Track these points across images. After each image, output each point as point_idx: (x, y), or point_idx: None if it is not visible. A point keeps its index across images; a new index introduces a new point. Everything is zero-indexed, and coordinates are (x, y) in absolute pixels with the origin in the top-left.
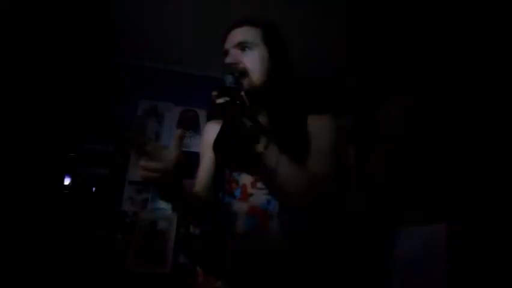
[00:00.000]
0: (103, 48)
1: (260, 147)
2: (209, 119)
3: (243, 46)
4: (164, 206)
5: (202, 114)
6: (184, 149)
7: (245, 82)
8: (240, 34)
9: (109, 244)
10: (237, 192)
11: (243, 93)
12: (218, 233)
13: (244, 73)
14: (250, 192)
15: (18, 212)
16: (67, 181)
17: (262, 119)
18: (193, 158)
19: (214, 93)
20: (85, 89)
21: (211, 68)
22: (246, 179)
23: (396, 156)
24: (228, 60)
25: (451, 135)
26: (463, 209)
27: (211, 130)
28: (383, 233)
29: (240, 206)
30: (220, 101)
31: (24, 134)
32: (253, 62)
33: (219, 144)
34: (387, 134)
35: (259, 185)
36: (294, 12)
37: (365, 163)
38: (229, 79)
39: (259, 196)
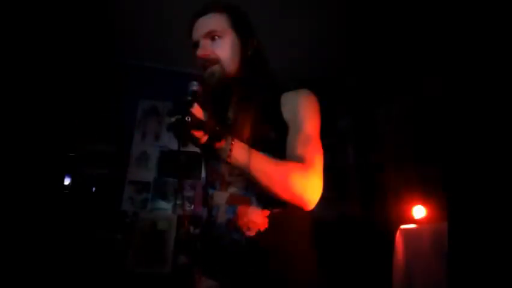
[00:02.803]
0: (103, 48)
1: (223, 154)
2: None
3: (212, 36)
4: (164, 206)
5: None
6: (184, 150)
7: (217, 73)
8: (207, 23)
9: (109, 244)
10: (217, 183)
11: (194, 106)
12: (209, 233)
13: (216, 64)
14: (229, 180)
15: (19, 212)
16: (67, 181)
17: (232, 108)
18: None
19: (168, 115)
20: (85, 89)
21: None
22: (224, 167)
23: (396, 155)
24: (199, 52)
25: (451, 135)
26: (464, 208)
27: None
28: (383, 233)
29: (222, 196)
30: (171, 120)
31: (24, 134)
32: (224, 51)
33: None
34: (387, 134)
35: (236, 172)
36: (294, 12)
37: (365, 163)
38: (192, 85)
39: (237, 183)
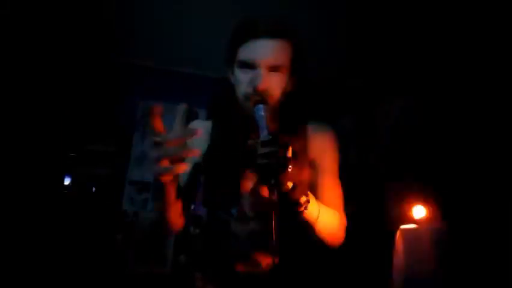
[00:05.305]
0: (103, 48)
1: (299, 207)
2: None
3: (274, 70)
4: None
5: (202, 114)
6: None
7: (268, 110)
8: (275, 52)
9: (109, 244)
10: (234, 211)
11: (288, 154)
12: (216, 246)
13: (268, 101)
14: (250, 214)
15: (19, 212)
16: (67, 181)
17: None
18: None
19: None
20: (85, 89)
21: (212, 68)
22: (244, 198)
23: (396, 155)
24: (262, 85)
25: (450, 135)
26: (463, 209)
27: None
28: (383, 233)
29: (241, 228)
30: (264, 161)
31: (24, 134)
32: (277, 85)
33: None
34: (387, 134)
35: (258, 209)
36: (294, 12)
37: (365, 163)
38: (260, 110)
39: (259, 219)
